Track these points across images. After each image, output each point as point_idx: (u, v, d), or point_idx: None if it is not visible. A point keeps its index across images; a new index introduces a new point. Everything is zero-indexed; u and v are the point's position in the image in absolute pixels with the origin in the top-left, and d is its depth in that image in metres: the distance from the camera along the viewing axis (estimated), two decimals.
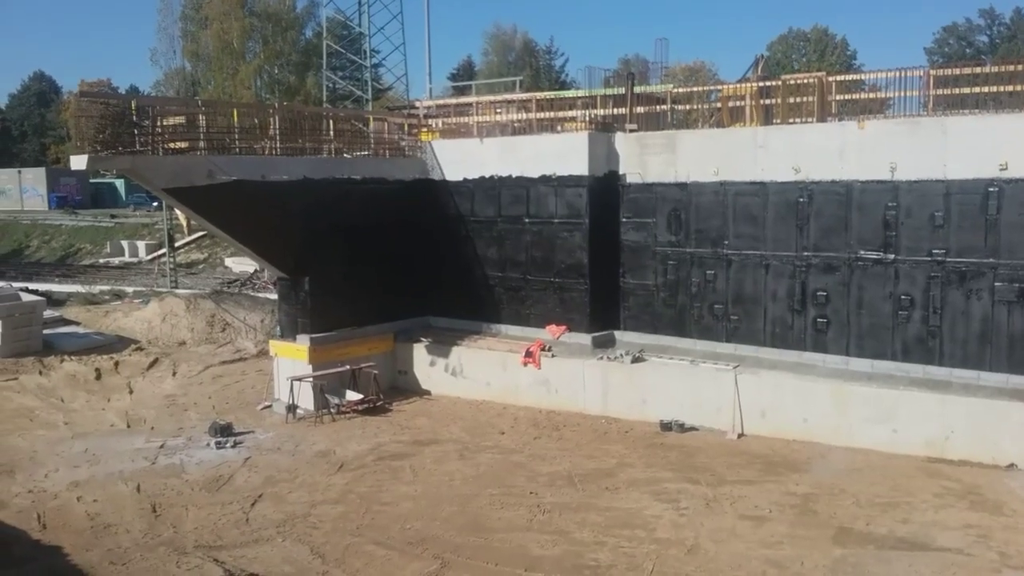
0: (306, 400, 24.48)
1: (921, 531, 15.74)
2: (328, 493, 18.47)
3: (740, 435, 21.59)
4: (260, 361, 30.28)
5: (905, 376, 20.90)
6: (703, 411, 22.20)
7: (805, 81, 25.80)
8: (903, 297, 21.17)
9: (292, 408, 24.25)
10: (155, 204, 64.78)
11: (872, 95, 25.70)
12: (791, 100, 25.04)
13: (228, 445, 21.80)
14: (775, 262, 23.05)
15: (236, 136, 24.40)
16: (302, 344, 25.09)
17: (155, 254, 56.07)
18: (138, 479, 19.26)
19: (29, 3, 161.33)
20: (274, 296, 31.89)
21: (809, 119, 24.07)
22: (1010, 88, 21.89)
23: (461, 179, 27.87)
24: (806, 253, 22.52)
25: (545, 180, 26.07)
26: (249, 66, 71.90)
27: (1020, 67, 22.23)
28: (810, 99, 24.56)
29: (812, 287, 22.50)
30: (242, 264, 48.53)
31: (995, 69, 23.17)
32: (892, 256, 21.25)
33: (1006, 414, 18.75)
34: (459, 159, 27.93)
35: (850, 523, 16.16)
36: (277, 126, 25.46)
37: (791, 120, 24.58)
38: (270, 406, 25.38)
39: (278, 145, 25.16)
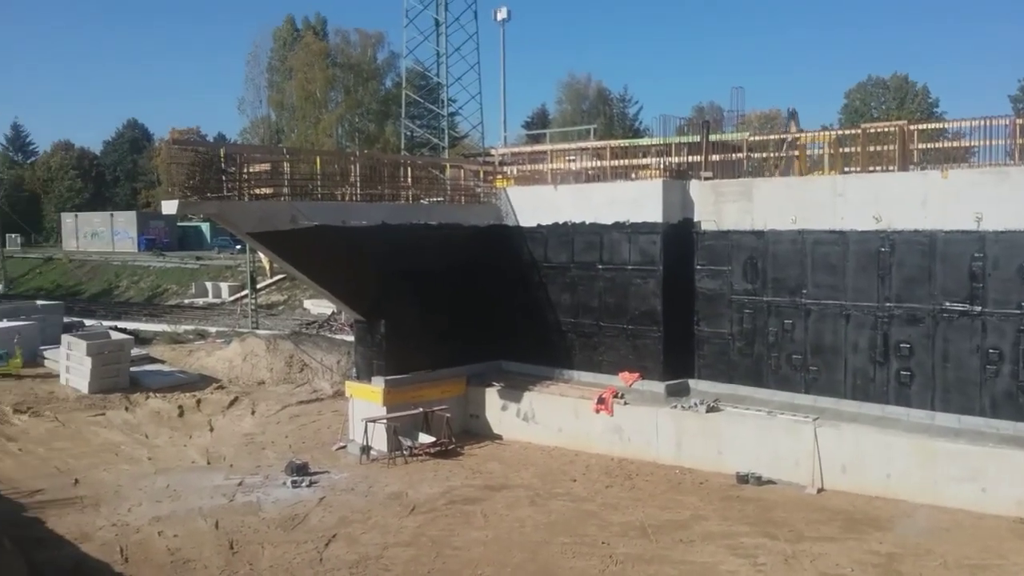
0: (380, 441, 24.77)
1: None
2: (400, 535, 18.57)
3: (820, 490, 20.98)
4: (336, 402, 30.79)
5: (995, 433, 20.08)
6: (781, 464, 21.68)
7: (886, 129, 25.44)
8: (991, 351, 20.43)
9: (366, 449, 24.55)
10: (238, 247, 66.86)
11: (955, 144, 25.19)
12: (871, 148, 24.70)
13: (304, 484, 22.15)
14: (856, 312, 22.55)
15: (318, 183, 25.12)
16: (377, 386, 25.46)
17: (237, 295, 57.72)
18: (217, 516, 19.69)
19: (124, 54, 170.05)
20: (351, 338, 32.47)
21: (890, 168, 23.68)
22: None
23: (535, 225, 28.13)
24: (888, 304, 21.99)
25: (619, 227, 26.13)
26: (331, 115, 74.13)
27: None
28: (891, 147, 24.19)
29: (895, 339, 21.91)
30: (320, 306, 49.60)
31: None
32: (979, 308, 20.57)
33: None
34: (533, 205, 28.22)
35: None
36: (357, 173, 26.14)
37: (871, 168, 24.21)
38: (345, 447, 25.74)
39: (358, 191, 25.79)
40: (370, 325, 26.00)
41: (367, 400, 25.62)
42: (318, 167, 25.60)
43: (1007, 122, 22.74)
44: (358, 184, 25.94)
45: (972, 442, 19.76)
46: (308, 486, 22.09)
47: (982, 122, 22.76)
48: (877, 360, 22.23)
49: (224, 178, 22.37)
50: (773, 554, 17.09)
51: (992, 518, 18.54)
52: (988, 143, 22.85)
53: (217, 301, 59.65)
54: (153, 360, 37.14)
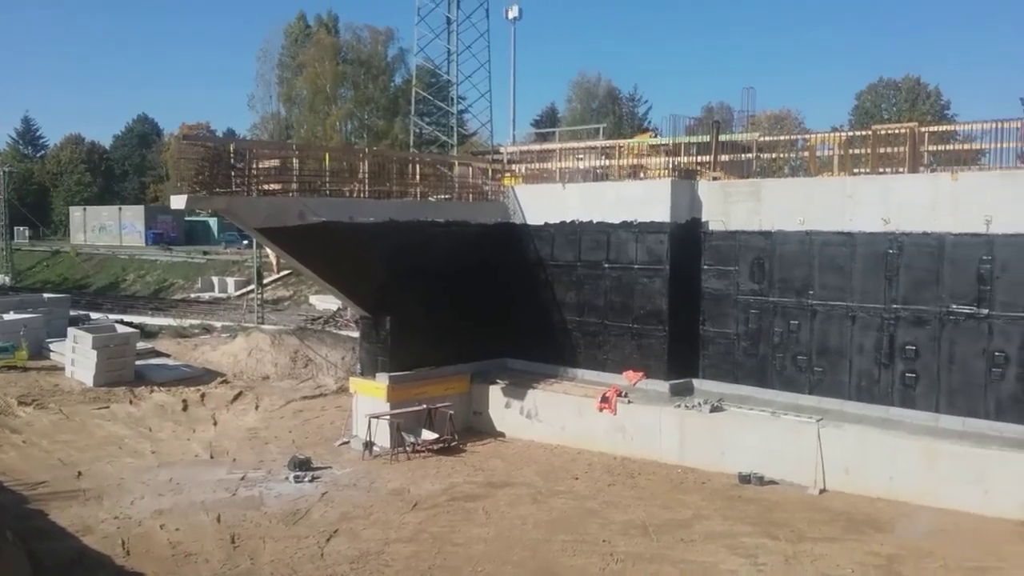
0: (383, 438, 24.79)
1: None
2: (401, 531, 18.58)
3: (822, 491, 20.91)
4: (340, 397, 30.84)
5: (999, 436, 19.99)
6: (784, 464, 21.62)
7: (896, 131, 25.33)
8: (997, 354, 20.35)
9: (369, 445, 24.59)
10: (245, 242, 66.95)
11: (966, 146, 25.06)
12: (881, 150, 24.59)
13: (306, 479, 22.19)
14: (862, 314, 22.48)
15: (326, 179, 25.10)
16: (381, 382, 25.49)
17: (243, 290, 57.82)
18: (219, 510, 19.72)
19: (135, 49, 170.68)
20: (356, 334, 32.52)
21: (900, 169, 23.58)
22: None
23: (542, 223, 28.11)
24: (895, 306, 21.91)
25: (626, 226, 26.10)
26: (340, 111, 74.15)
27: None
28: (901, 149, 24.08)
29: (901, 340, 21.83)
30: (326, 302, 49.63)
31: None
32: (986, 311, 20.49)
33: None
34: (541, 204, 28.20)
35: None
36: (366, 170, 26.13)
37: (881, 170, 24.11)
38: (348, 442, 25.78)
39: (366, 188, 25.80)
40: (375, 321, 26.03)
41: (371, 396, 25.65)
42: (326, 163, 25.57)
43: (1018, 125, 22.58)
44: (366, 181, 25.95)
45: (976, 445, 19.68)
46: (310, 481, 22.13)
47: (993, 125, 22.59)
48: (882, 362, 22.15)
49: (233, 174, 22.43)
50: (774, 554, 17.04)
51: (994, 521, 18.45)
52: (999, 146, 22.69)
53: (223, 296, 59.76)
54: (158, 354, 37.23)
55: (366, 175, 25.99)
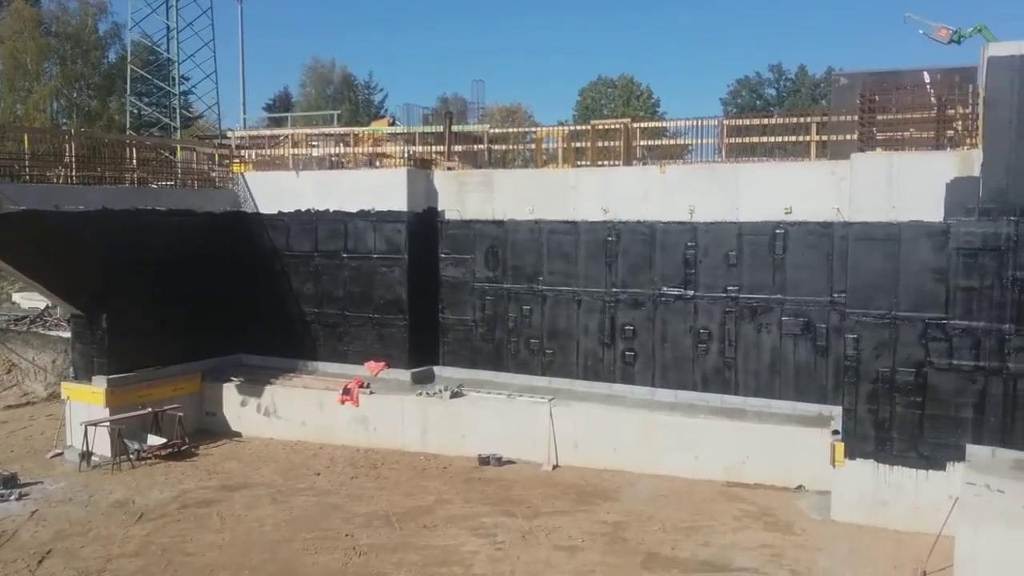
0: (103, 446, 22.89)
1: (721, 553, 16.67)
2: (126, 546, 17.29)
3: (555, 466, 22.09)
4: (51, 405, 28.14)
5: (705, 405, 22.16)
6: (520, 444, 22.57)
7: (613, 126, 27.16)
8: (702, 331, 22.51)
9: (86, 455, 22.60)
10: None
11: (673, 142, 27.43)
12: (600, 144, 26.28)
13: (12, 497, 20.06)
14: (587, 298, 23.94)
15: (27, 163, 22.72)
16: (98, 386, 23.51)
17: None
18: None
19: None
20: (68, 335, 29.64)
21: (616, 162, 25.32)
22: (794, 138, 24.06)
23: (276, 212, 27.18)
24: (615, 289, 23.54)
25: (364, 215, 25.90)
26: (45, 88, 66.99)
27: (802, 119, 24.53)
28: (617, 143, 25.88)
29: (620, 322, 23.51)
30: (32, 299, 44.66)
31: (781, 120, 25.42)
32: (692, 292, 22.58)
33: (794, 439, 20.22)
34: (274, 192, 27.24)
35: (657, 548, 16.89)
36: (73, 153, 23.95)
37: (600, 163, 25.76)
38: (61, 454, 23.58)
39: (74, 173, 23.65)
40: (89, 320, 23.88)
41: (87, 402, 23.56)
42: (26, 145, 23.12)
43: (716, 123, 25.10)
44: (74, 165, 23.77)
45: (686, 414, 21.69)
46: (17, 499, 20.00)
47: (695, 122, 24.92)
48: (605, 342, 23.75)
49: None
50: (512, 531, 17.78)
51: (704, 483, 20.47)
52: (701, 142, 25.09)
53: None
54: None
55: (74, 159, 23.79)
